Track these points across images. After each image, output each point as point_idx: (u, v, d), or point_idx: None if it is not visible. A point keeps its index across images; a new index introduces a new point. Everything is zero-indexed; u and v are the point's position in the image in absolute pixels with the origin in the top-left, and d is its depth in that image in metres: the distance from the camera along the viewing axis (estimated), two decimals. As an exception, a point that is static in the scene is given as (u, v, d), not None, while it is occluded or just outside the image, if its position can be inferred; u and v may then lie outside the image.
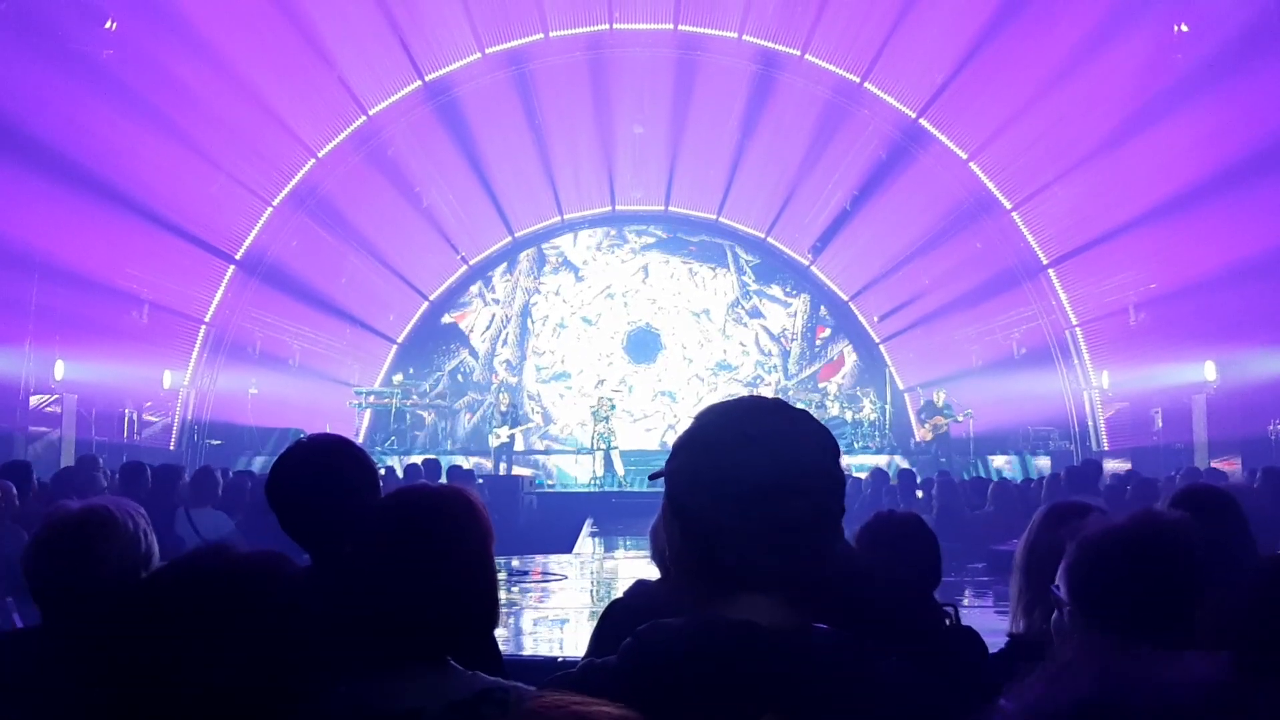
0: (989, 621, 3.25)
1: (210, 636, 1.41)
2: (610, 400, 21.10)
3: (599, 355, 24.97)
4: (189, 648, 1.40)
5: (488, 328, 25.15)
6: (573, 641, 6.68)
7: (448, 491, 2.23)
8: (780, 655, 1.48)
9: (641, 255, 25.43)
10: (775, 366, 25.12)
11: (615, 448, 20.12)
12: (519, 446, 21.10)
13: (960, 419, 19.85)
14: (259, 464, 17.34)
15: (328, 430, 3.22)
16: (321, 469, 2.88)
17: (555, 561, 11.82)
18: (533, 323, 25.25)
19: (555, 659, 5.48)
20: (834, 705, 1.46)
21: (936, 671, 1.78)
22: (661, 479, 1.66)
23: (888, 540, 3.31)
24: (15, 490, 7.90)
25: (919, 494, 12.93)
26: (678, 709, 1.41)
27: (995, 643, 3.15)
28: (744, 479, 1.52)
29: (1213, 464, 15.34)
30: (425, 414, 23.48)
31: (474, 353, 25.02)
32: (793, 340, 25.09)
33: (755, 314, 25.36)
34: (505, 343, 25.18)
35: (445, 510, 2.15)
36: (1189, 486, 3.72)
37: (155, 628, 1.43)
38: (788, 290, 25.15)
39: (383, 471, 13.25)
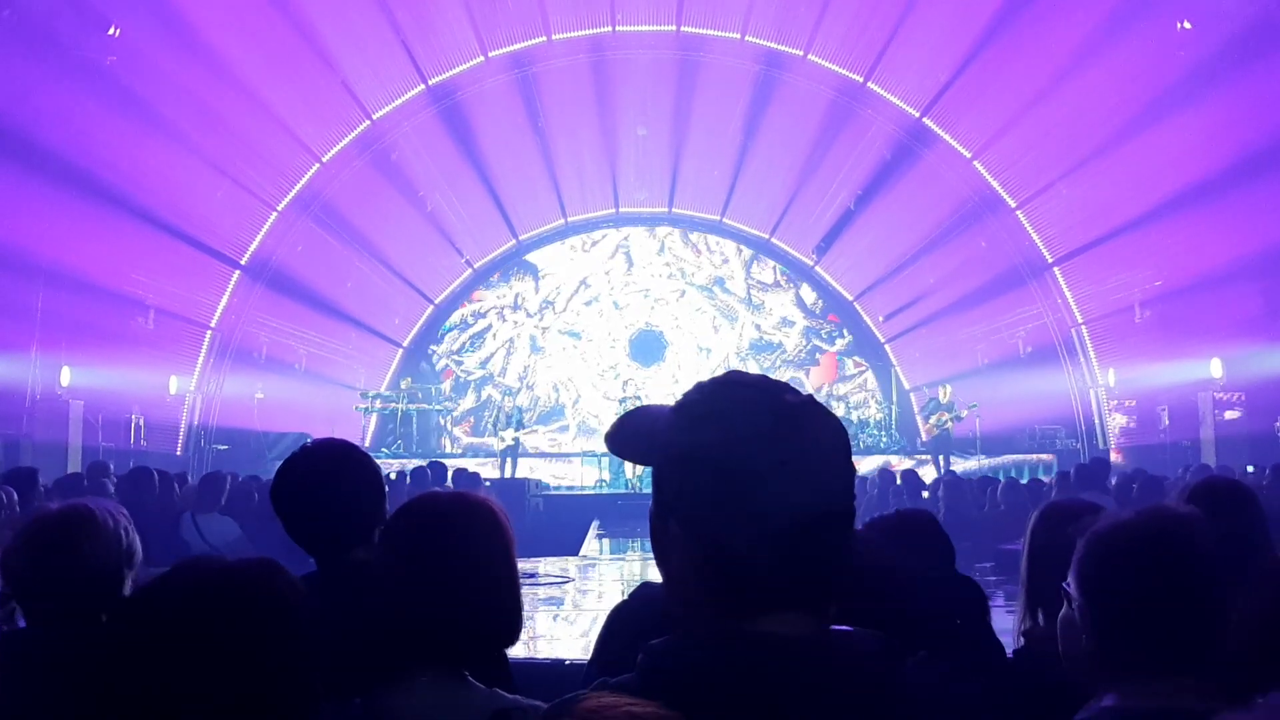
0: (999, 620, 3.23)
1: (202, 653, 1.38)
2: (638, 398, 19.91)
3: (608, 335, 24.61)
4: (181, 666, 1.38)
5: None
6: (577, 644, 6.67)
7: (472, 500, 2.22)
8: (813, 664, 1.41)
9: (685, 283, 24.89)
10: (837, 332, 24.38)
11: None
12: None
13: (964, 414, 19.80)
14: (265, 469, 17.36)
15: (333, 435, 3.20)
16: (326, 475, 2.87)
17: (561, 564, 11.81)
18: (587, 284, 24.91)
19: (562, 661, 5.46)
20: (872, 708, 1.41)
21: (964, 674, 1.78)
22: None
23: (903, 540, 3.27)
24: (16, 496, 7.93)
25: (925, 494, 12.90)
26: None
27: (1003, 642, 3.14)
28: (783, 511, 1.39)
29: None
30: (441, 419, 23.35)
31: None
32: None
33: (799, 275, 24.61)
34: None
35: (470, 519, 2.14)
36: (1206, 479, 3.69)
37: (146, 647, 1.40)
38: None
39: (393, 476, 13.28)
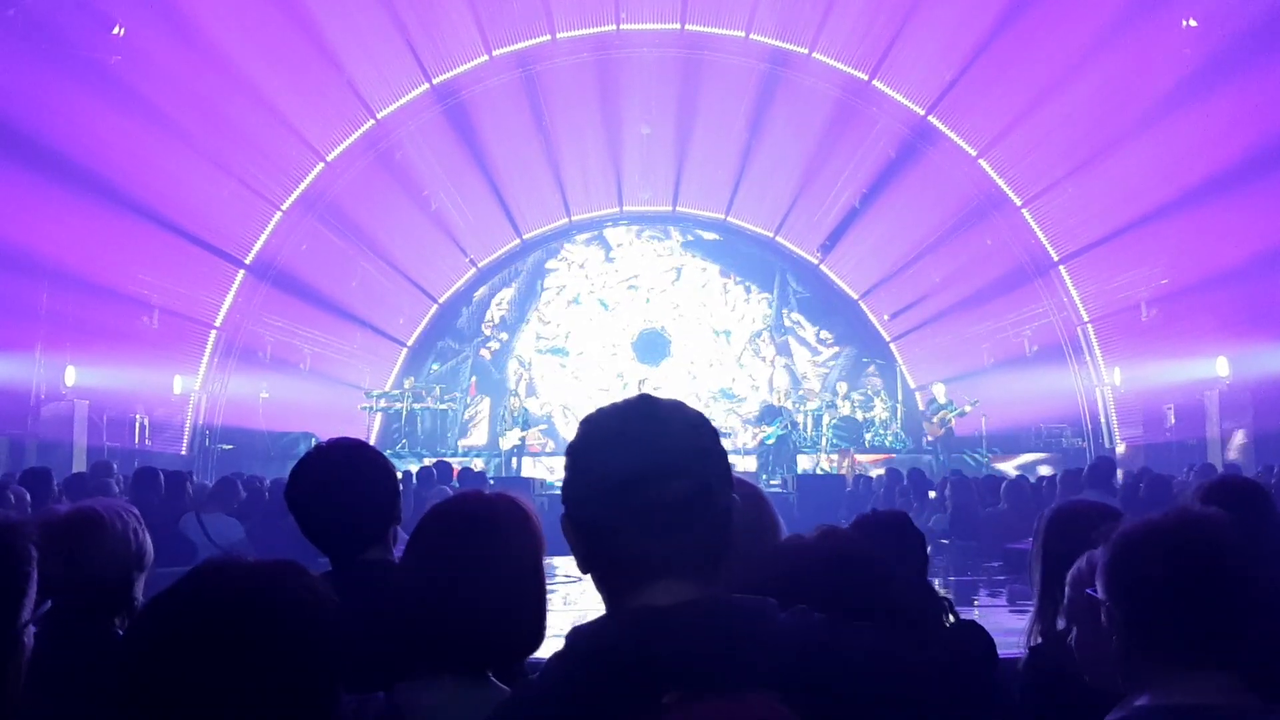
0: (1004, 620, 3.23)
1: (228, 655, 1.37)
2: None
3: (605, 344, 24.42)
4: (208, 668, 1.36)
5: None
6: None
7: (506, 504, 2.21)
8: (675, 631, 1.51)
9: (680, 255, 24.89)
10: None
11: None
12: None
13: (968, 409, 19.76)
14: (270, 469, 17.35)
15: (337, 435, 3.20)
16: (342, 473, 2.87)
17: (568, 562, 11.79)
18: (543, 287, 24.66)
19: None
20: (736, 667, 1.48)
21: (943, 665, 1.77)
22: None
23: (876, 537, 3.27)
24: (29, 497, 7.95)
25: (931, 494, 12.89)
26: (598, 704, 1.45)
27: (1010, 641, 3.13)
28: (613, 473, 1.59)
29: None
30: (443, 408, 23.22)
31: (468, 302, 24.49)
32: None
33: (784, 350, 24.43)
34: (501, 304, 24.57)
35: (501, 524, 2.14)
36: (1221, 478, 3.71)
37: (170, 650, 1.38)
38: (820, 337, 24.46)
39: (400, 475, 13.28)
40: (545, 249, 24.71)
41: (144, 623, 1.43)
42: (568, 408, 23.87)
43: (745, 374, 24.45)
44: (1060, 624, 2.96)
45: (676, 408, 1.68)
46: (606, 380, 24.00)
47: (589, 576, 1.68)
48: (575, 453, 1.67)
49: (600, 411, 1.70)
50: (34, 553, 1.86)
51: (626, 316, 24.68)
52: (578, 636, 1.59)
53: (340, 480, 2.85)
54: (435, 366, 23.37)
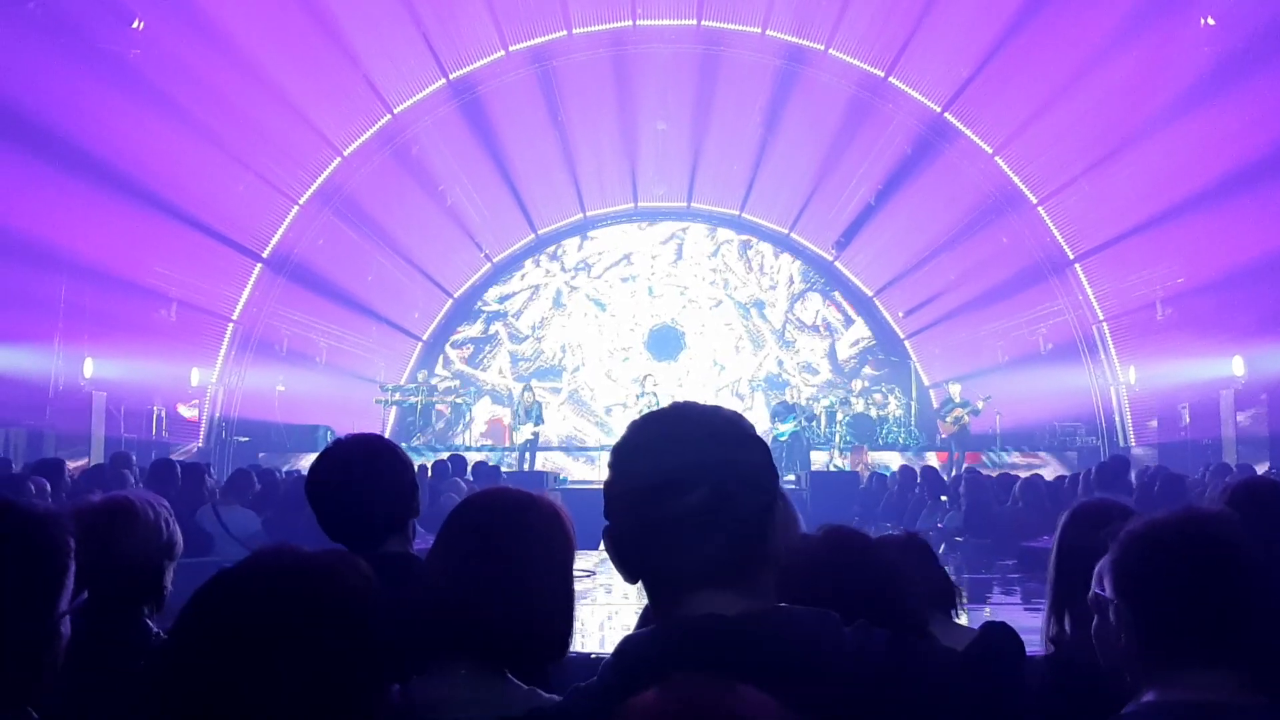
0: (1019, 619, 3.23)
1: (287, 646, 1.36)
2: (655, 394, 19.85)
3: (611, 349, 24.19)
4: (271, 657, 1.35)
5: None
6: (596, 638, 6.67)
7: (537, 503, 2.22)
8: (724, 641, 1.50)
9: (678, 221, 24.58)
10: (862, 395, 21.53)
11: None
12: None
13: (981, 406, 19.69)
14: (285, 461, 17.43)
15: (354, 428, 3.23)
16: (362, 467, 2.89)
17: (582, 557, 11.80)
18: (482, 306, 24.52)
19: (588, 655, 5.47)
20: (797, 676, 1.46)
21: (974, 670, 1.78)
22: None
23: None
24: (49, 486, 8.02)
25: (943, 498, 12.84)
26: None
27: (1025, 640, 3.12)
28: (634, 486, 1.61)
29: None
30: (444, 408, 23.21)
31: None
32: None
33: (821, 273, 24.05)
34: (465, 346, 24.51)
35: (537, 519, 2.15)
36: (1245, 480, 3.71)
37: (231, 638, 1.37)
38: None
39: (415, 469, 13.31)
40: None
41: (200, 609, 1.41)
42: (576, 439, 23.63)
43: (793, 354, 24.28)
44: (1068, 625, 2.96)
45: (703, 415, 1.66)
46: (621, 393, 23.50)
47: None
48: (610, 464, 1.68)
49: (633, 422, 1.72)
50: (72, 544, 1.87)
51: (661, 307, 24.45)
52: (628, 645, 1.60)
53: (360, 473, 2.87)
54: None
